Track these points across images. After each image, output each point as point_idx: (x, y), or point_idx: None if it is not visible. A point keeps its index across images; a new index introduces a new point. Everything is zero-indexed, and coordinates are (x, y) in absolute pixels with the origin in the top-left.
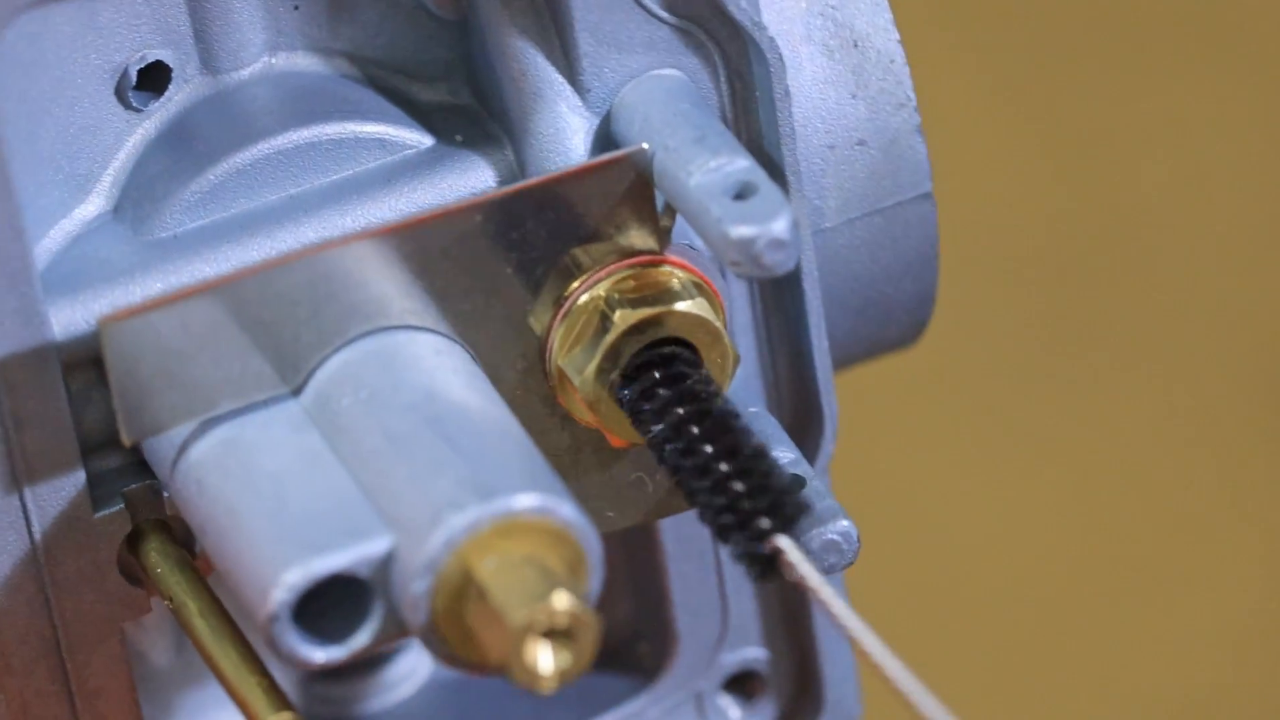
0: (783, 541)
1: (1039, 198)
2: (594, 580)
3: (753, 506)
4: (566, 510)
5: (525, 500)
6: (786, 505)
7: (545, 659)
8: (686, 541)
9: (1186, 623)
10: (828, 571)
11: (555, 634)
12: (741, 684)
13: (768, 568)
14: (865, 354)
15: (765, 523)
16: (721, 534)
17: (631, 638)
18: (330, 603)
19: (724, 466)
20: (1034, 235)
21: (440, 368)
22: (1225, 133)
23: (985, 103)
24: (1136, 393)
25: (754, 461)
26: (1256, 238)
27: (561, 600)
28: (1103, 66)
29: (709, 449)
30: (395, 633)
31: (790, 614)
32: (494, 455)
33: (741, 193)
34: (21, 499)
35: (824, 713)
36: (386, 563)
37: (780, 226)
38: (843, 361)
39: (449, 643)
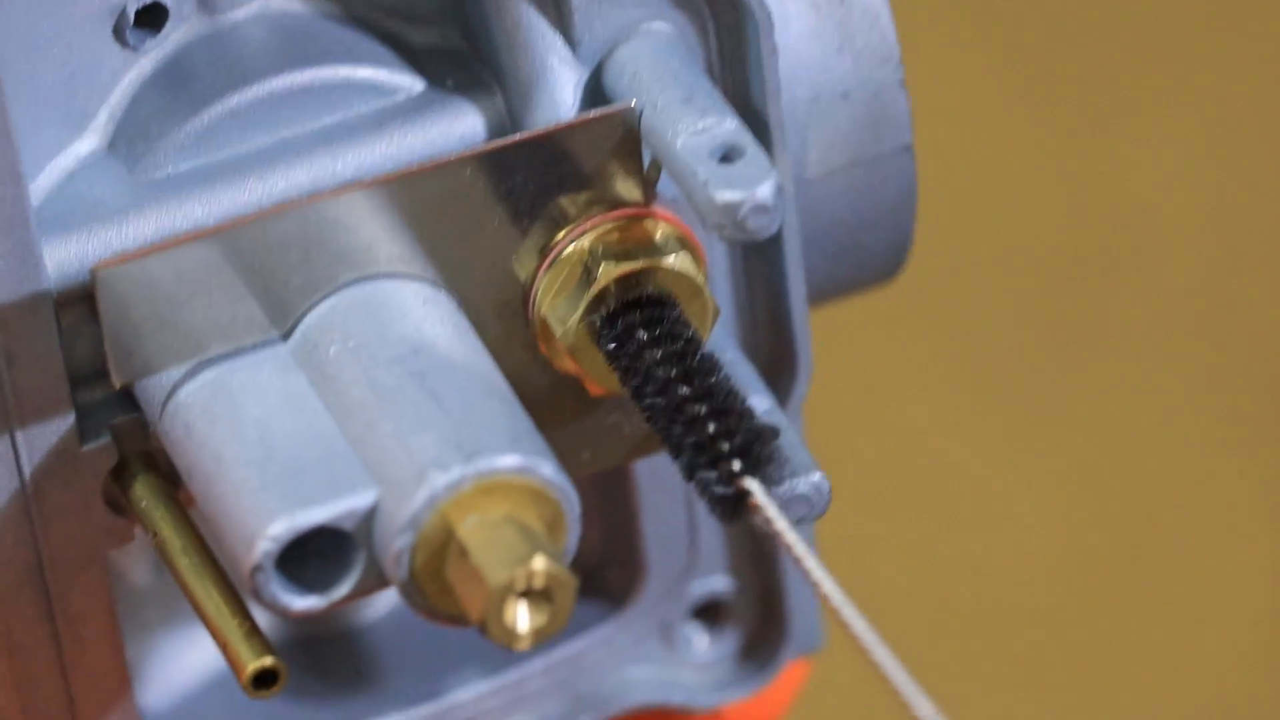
0: (751, 484)
1: (1047, 192)
2: (571, 537)
3: (724, 448)
4: (547, 469)
5: (507, 460)
6: (757, 448)
7: (523, 618)
8: (658, 473)
9: (1197, 621)
10: (797, 522)
11: (533, 594)
12: (708, 613)
13: (735, 509)
14: (840, 293)
15: (735, 464)
16: (691, 474)
17: (600, 564)
18: (312, 550)
19: (698, 408)
20: (1044, 229)
21: (427, 318)
22: (1234, 128)
23: (999, 97)
24: (1146, 388)
25: (727, 404)
26: (1262, 233)
27: (540, 563)
28: (1110, 64)
29: (685, 391)
30: (375, 584)
31: (757, 545)
32: (477, 412)
33: (727, 155)
34: (11, 432)
35: (787, 642)
36: (370, 516)
37: (765, 192)
38: (817, 300)
39: (428, 597)
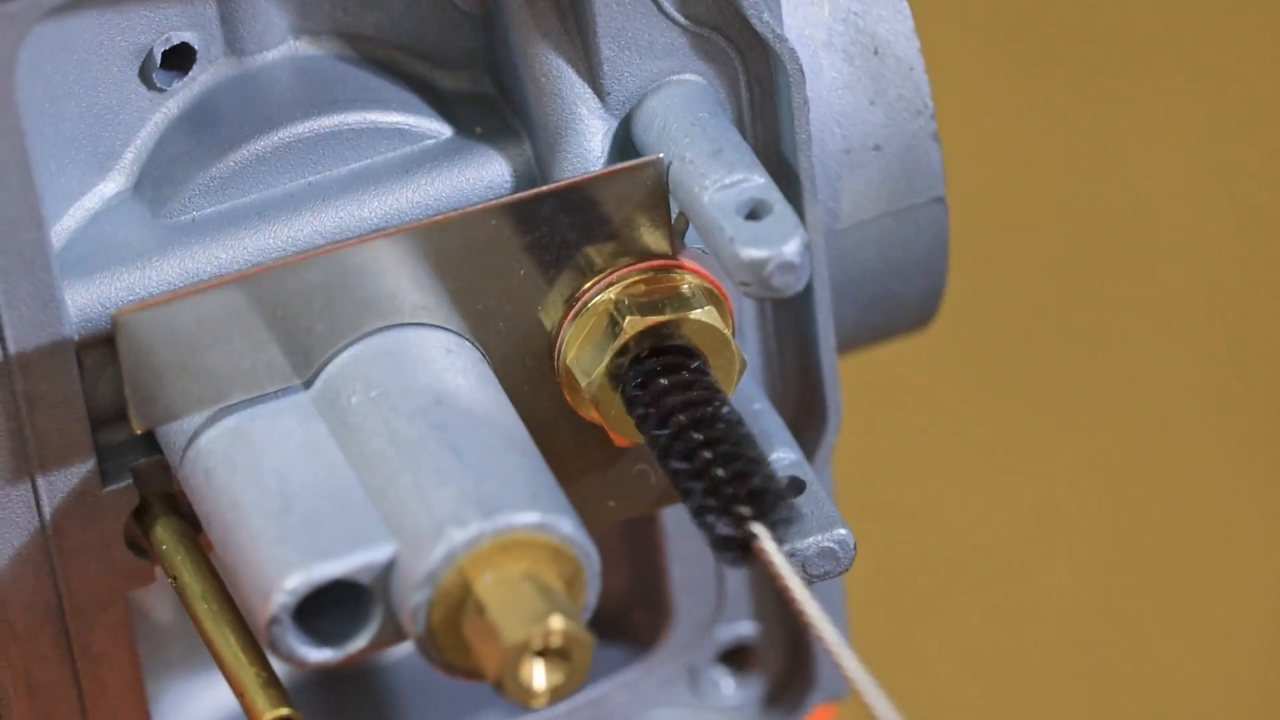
0: (757, 528)
1: (1047, 194)
2: (591, 594)
3: (731, 492)
4: (566, 526)
5: (526, 517)
6: (764, 493)
7: (539, 676)
8: (685, 519)
9: (1199, 626)
10: (823, 578)
11: (549, 652)
12: (734, 658)
13: (741, 554)
14: (871, 341)
15: (744, 510)
16: (699, 517)
17: (627, 607)
18: (330, 601)
19: (708, 453)
20: (1043, 232)
21: (450, 369)
22: (1221, 137)
23: (996, 100)
24: (1142, 392)
25: (742, 452)
26: (1252, 240)
27: (557, 621)
28: (1107, 68)
29: (700, 439)
30: (393, 637)
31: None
32: (497, 466)
33: (754, 212)
34: (32, 475)
35: (814, 688)
36: (388, 570)
37: (791, 249)
38: (847, 347)
39: (445, 652)
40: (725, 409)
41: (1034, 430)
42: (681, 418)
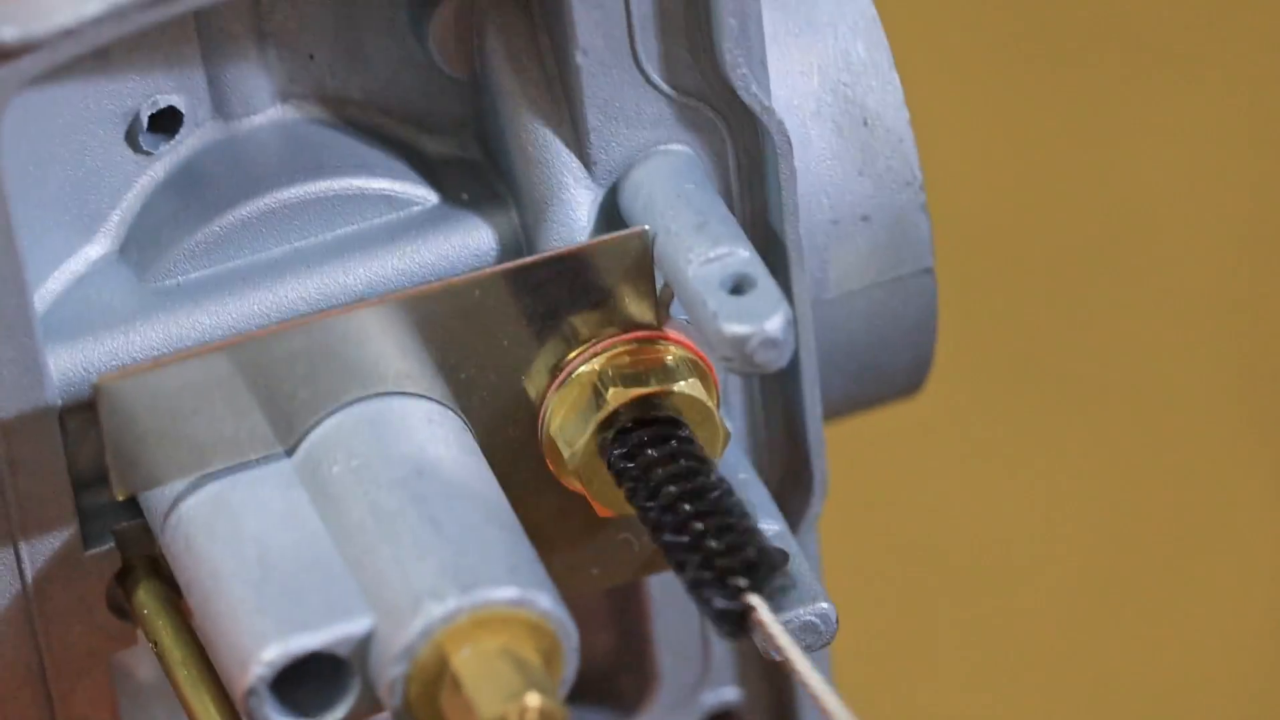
0: (755, 600)
1: (1048, 193)
2: (569, 669)
3: (727, 564)
4: (544, 602)
5: (504, 592)
6: (762, 566)
7: None
8: (670, 584)
9: (1202, 626)
10: (804, 650)
11: None
12: None
13: (738, 625)
14: (858, 410)
15: (740, 581)
16: (695, 590)
17: (612, 670)
18: (308, 672)
19: (701, 525)
20: (1044, 231)
21: (431, 439)
22: (1223, 134)
23: (985, 102)
24: (1135, 396)
25: (735, 523)
26: (1253, 238)
27: (533, 700)
28: (1108, 69)
29: (691, 511)
30: (370, 710)
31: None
32: (477, 540)
33: (738, 286)
34: (14, 538)
35: None
36: (366, 643)
37: (774, 325)
38: (834, 416)
39: None
40: (714, 478)
41: (1036, 431)
42: (672, 489)
